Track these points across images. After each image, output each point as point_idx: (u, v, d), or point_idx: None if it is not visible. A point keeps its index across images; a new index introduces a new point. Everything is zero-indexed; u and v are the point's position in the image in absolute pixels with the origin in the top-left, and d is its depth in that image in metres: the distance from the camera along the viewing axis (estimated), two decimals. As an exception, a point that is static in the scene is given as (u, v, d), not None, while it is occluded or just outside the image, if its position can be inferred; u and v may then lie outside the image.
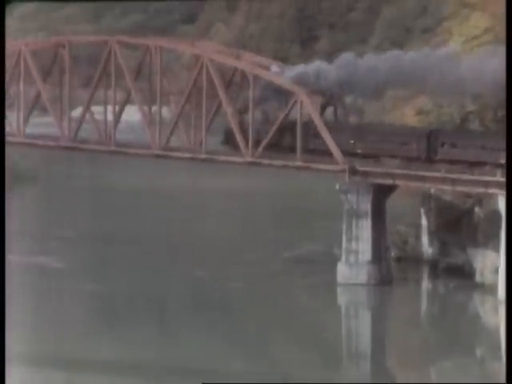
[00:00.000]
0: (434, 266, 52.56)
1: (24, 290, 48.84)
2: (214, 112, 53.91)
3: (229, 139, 53.82)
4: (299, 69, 52.06)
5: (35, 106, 57.94)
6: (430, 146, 48.43)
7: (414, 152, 48.89)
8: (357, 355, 43.09)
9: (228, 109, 52.71)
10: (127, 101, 55.68)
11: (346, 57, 51.80)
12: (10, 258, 53.37)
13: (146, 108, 55.10)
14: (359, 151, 50.34)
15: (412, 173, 48.72)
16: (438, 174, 47.97)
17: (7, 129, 57.93)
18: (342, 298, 50.06)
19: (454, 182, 47.81)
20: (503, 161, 43.17)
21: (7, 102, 58.10)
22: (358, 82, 50.68)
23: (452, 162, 47.62)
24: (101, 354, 40.30)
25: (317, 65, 52.30)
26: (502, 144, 41.11)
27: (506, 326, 30.03)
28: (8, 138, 58.01)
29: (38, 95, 56.82)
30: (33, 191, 73.68)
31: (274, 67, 53.45)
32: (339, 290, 49.56)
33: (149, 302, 47.58)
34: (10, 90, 57.55)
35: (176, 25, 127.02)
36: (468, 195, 49.27)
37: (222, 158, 53.52)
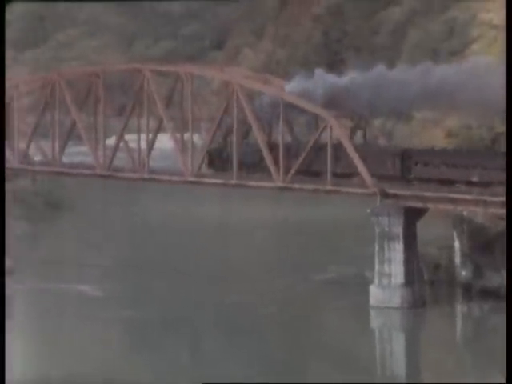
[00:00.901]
0: (467, 288, 51.45)
1: (64, 317, 48.50)
2: (244, 138, 53.19)
3: (213, 161, 53.21)
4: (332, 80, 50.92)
5: (70, 135, 57.26)
6: (403, 164, 48.68)
7: (389, 171, 48.87)
8: (392, 378, 42.03)
9: (258, 134, 51.79)
10: (160, 128, 54.93)
11: (378, 69, 50.71)
12: (50, 286, 53.13)
13: (178, 135, 54.27)
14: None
15: (443, 195, 47.72)
16: (469, 197, 46.97)
17: (43, 158, 57.45)
18: (375, 321, 48.93)
19: (486, 203, 46.73)
20: (475, 179, 45.36)
21: (41, 131, 57.57)
22: (388, 94, 49.42)
23: (425, 180, 48.29)
24: (137, 377, 39.95)
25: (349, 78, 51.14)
26: (473, 161, 43.26)
27: (506, 326, 29.48)
28: (44, 168, 57.64)
29: (73, 124, 56.16)
30: (69, 220, 73.34)
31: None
32: (372, 313, 48.55)
33: (183, 327, 47.03)
34: (45, 120, 56.98)
35: (205, 51, 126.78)
36: (501, 217, 47.93)
37: (253, 183, 52.60)
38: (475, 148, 54.26)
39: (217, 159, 53.25)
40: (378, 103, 50.48)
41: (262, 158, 51.60)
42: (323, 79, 52.05)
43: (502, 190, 43.30)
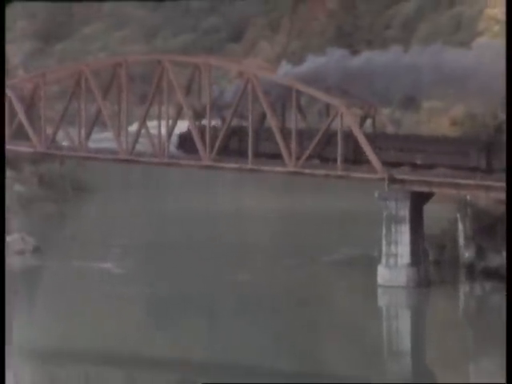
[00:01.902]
0: (470, 268, 51.67)
1: (87, 293, 48.96)
2: (259, 124, 53.48)
3: (184, 144, 53.75)
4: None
5: (96, 122, 57.75)
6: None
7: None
8: (398, 353, 42.41)
9: (272, 121, 52.15)
10: (179, 115, 55.34)
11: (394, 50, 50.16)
12: (75, 264, 53.72)
13: (196, 122, 54.65)
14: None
15: (448, 180, 47.99)
16: (472, 182, 47.13)
17: (70, 144, 57.99)
18: (382, 299, 49.18)
19: (487, 188, 46.92)
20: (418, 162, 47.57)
21: (68, 118, 58.05)
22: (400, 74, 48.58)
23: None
24: (156, 350, 40.37)
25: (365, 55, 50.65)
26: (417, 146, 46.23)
27: (506, 325, 28.92)
28: (70, 152, 58.22)
29: (99, 112, 56.65)
30: (93, 201, 73.95)
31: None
32: (380, 291, 48.85)
33: (199, 303, 47.53)
34: (72, 108, 57.46)
35: (223, 43, 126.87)
36: (502, 201, 48.10)
37: (267, 168, 52.94)
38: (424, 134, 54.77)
39: (187, 143, 53.68)
40: (392, 87, 49.95)
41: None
42: (336, 59, 51.61)
43: (503, 176, 43.58)
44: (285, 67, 52.92)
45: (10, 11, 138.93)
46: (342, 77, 50.90)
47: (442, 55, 48.09)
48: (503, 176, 43.66)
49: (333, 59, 51.27)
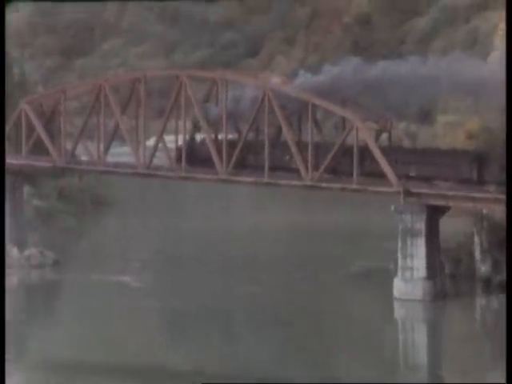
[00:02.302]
0: (487, 282, 51.28)
1: (106, 306, 49.01)
2: (275, 139, 53.36)
3: (187, 157, 54.28)
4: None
5: (114, 136, 57.87)
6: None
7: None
8: (414, 366, 42.05)
9: (288, 135, 52.00)
10: (196, 130, 55.29)
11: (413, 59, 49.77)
12: (94, 277, 53.75)
13: (213, 136, 54.63)
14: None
15: (464, 194, 47.60)
16: (489, 195, 46.76)
17: (88, 158, 58.10)
18: (398, 312, 48.85)
19: (503, 201, 46.35)
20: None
21: (87, 133, 58.18)
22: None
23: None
24: (172, 362, 40.40)
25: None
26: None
27: (506, 325, 28.32)
28: (89, 167, 58.33)
29: (117, 126, 56.75)
30: (111, 215, 74.06)
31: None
32: (396, 304, 48.55)
33: (214, 317, 47.41)
34: (91, 122, 57.59)
35: (240, 58, 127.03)
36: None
37: (283, 181, 52.76)
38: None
39: (190, 155, 54.07)
40: (409, 98, 49.44)
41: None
42: (353, 68, 51.24)
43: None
44: (303, 76, 52.74)
45: (31, 27, 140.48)
46: (359, 87, 50.62)
47: (460, 64, 47.50)
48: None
49: (349, 69, 50.95)
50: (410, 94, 49.16)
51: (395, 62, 50.91)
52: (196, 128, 54.77)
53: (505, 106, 43.70)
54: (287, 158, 51.52)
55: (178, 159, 54.64)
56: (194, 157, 54.42)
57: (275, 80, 55.98)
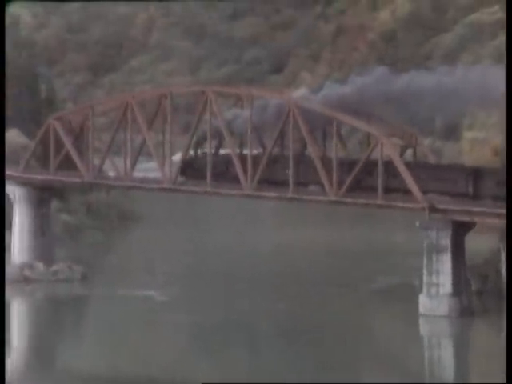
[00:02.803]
0: (513, 299, 50.43)
1: (132, 320, 48.97)
2: (300, 153, 53.09)
3: (185, 170, 54.21)
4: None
5: (141, 152, 57.89)
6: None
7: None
8: (440, 382, 41.43)
9: (313, 150, 51.67)
10: (221, 145, 55.19)
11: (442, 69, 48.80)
12: (120, 292, 53.74)
13: (237, 150, 54.46)
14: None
15: (490, 210, 46.99)
16: (515, 211, 45.96)
17: (116, 173, 58.10)
18: (424, 328, 48.26)
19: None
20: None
21: (114, 148, 58.21)
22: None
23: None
24: (198, 376, 40.11)
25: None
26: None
27: (506, 326, 27.57)
28: (117, 182, 58.35)
29: (144, 142, 56.76)
30: (138, 230, 74.16)
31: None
32: (421, 320, 47.97)
33: (238, 331, 47.24)
34: (118, 138, 57.63)
35: (265, 75, 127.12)
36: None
37: (308, 197, 52.40)
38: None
39: (189, 169, 53.95)
40: (436, 110, 48.44)
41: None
42: (379, 79, 50.59)
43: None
44: (329, 87, 52.33)
45: (59, 44, 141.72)
46: (384, 97, 49.98)
47: (488, 77, 46.58)
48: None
49: (375, 80, 50.22)
50: (437, 106, 48.39)
51: (421, 72, 50.15)
52: (199, 144, 54.80)
53: None
54: (286, 171, 51.29)
55: (182, 172, 54.83)
56: (193, 170, 54.42)
57: (301, 91, 55.49)
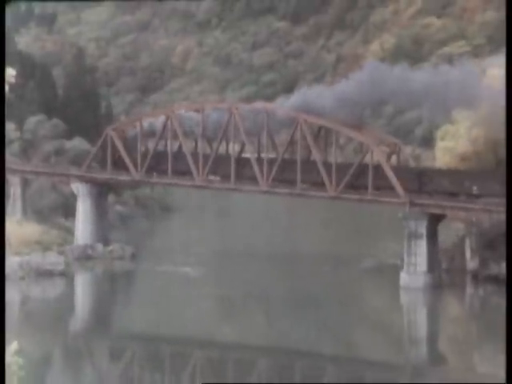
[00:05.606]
0: (475, 275, 51.28)
1: (171, 291, 49.68)
2: (306, 158, 53.94)
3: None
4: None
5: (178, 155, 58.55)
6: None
7: None
8: (416, 341, 42.55)
9: (317, 156, 52.47)
10: (242, 151, 56.14)
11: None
12: (162, 268, 54.57)
13: (255, 155, 55.29)
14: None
15: (458, 204, 47.80)
16: (477, 206, 46.88)
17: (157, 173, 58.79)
18: (403, 298, 49.09)
19: (490, 211, 46.56)
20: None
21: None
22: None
23: None
24: (225, 337, 41.11)
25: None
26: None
27: (506, 326, 26.59)
28: (159, 180, 59.26)
29: (180, 147, 57.76)
30: (177, 219, 75.04)
31: None
32: (401, 292, 48.85)
33: (257, 302, 47.94)
34: (160, 144, 58.50)
35: (278, 94, 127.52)
36: (503, 222, 47.52)
37: (312, 193, 53.23)
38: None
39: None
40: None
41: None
42: (374, 71, 49.95)
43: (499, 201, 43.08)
44: (340, 85, 52.38)
45: (116, 70, 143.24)
46: (380, 94, 49.14)
47: (468, 76, 44.73)
48: (501, 201, 43.30)
49: (372, 73, 49.43)
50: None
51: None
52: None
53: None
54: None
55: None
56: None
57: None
